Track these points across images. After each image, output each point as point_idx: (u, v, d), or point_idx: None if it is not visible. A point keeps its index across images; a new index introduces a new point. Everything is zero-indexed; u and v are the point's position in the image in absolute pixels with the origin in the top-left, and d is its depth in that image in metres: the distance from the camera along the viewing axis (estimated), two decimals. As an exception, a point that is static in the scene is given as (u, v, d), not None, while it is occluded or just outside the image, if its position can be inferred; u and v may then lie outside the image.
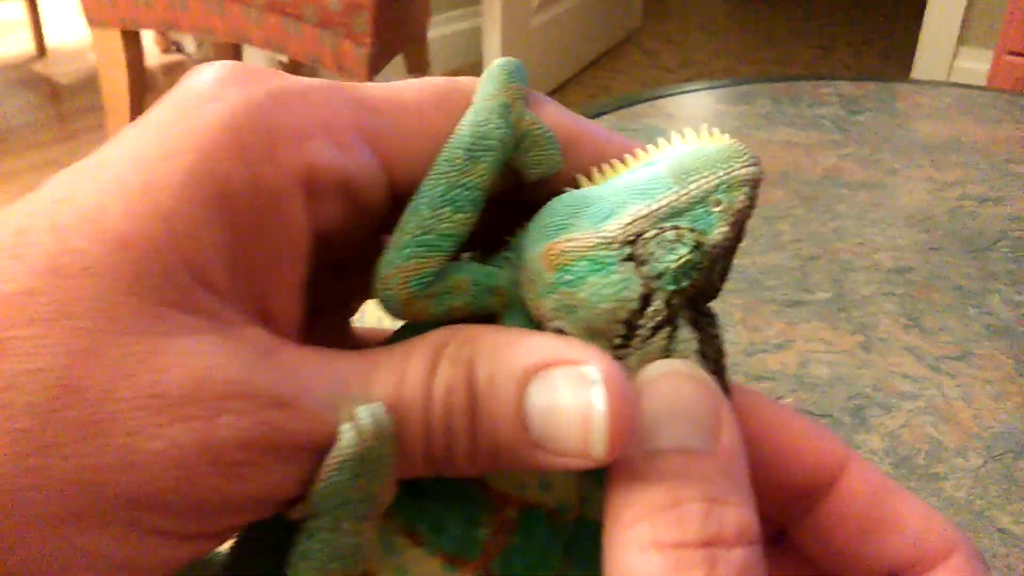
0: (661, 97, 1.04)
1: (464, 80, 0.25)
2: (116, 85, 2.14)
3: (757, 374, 0.59)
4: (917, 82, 1.12)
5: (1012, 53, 2.07)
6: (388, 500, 0.21)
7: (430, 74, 2.28)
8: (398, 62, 2.25)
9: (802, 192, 0.83)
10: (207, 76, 0.22)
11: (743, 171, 0.22)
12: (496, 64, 0.25)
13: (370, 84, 0.24)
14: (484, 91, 0.24)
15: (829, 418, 0.55)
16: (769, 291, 0.67)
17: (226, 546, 0.25)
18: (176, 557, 0.19)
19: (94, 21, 2.04)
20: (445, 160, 0.23)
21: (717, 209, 0.22)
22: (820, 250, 0.74)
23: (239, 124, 0.20)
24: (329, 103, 0.22)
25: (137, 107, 2.15)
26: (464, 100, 0.24)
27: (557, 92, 3.01)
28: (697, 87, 1.08)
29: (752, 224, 0.75)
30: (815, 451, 0.23)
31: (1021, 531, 0.48)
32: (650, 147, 0.24)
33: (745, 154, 0.22)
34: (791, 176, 0.86)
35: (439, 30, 3.03)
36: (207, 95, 0.21)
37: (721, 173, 0.22)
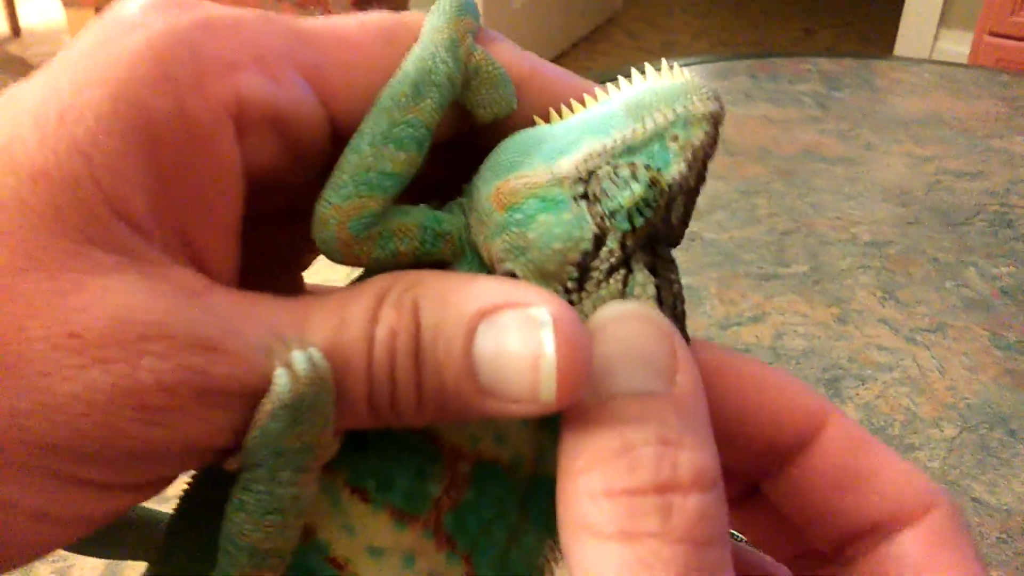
0: (640, 73, 1.04)
1: (411, 14, 0.23)
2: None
3: (732, 346, 0.59)
4: (897, 59, 1.12)
5: (993, 34, 2.07)
6: (329, 452, 0.20)
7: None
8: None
9: (780, 167, 0.83)
10: (132, 4, 0.20)
11: (702, 106, 0.21)
12: None
13: (309, 18, 0.23)
14: (431, 25, 0.23)
15: (817, 391, 0.55)
16: (745, 264, 0.67)
17: (173, 505, 0.24)
18: (104, 507, 0.18)
19: (69, 1, 2.01)
20: (388, 96, 0.22)
21: (674, 145, 0.21)
22: (797, 224, 0.73)
23: (162, 52, 0.19)
24: (263, 33, 0.21)
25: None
26: (410, 35, 0.23)
27: (539, 73, 3.00)
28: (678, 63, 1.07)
29: (728, 198, 0.74)
30: (796, 406, 0.23)
31: (994, 500, 0.48)
32: (610, 86, 0.23)
33: (704, 89, 0.21)
34: (769, 151, 0.86)
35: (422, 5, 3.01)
36: (130, 23, 0.20)
37: (679, 108, 0.21)
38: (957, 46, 2.59)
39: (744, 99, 0.97)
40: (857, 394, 0.55)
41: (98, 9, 2.02)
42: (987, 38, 2.08)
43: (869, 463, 0.22)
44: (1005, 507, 0.48)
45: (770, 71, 1.05)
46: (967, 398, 0.55)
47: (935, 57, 2.67)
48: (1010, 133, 0.90)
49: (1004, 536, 0.46)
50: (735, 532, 0.25)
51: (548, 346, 0.18)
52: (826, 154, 0.86)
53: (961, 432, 0.53)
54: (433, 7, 0.23)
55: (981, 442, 0.52)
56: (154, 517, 0.25)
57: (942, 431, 0.53)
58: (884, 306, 0.63)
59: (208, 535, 0.21)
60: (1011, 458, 0.51)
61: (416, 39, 0.23)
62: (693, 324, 0.60)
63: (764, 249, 0.69)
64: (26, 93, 0.19)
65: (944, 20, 2.67)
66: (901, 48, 2.73)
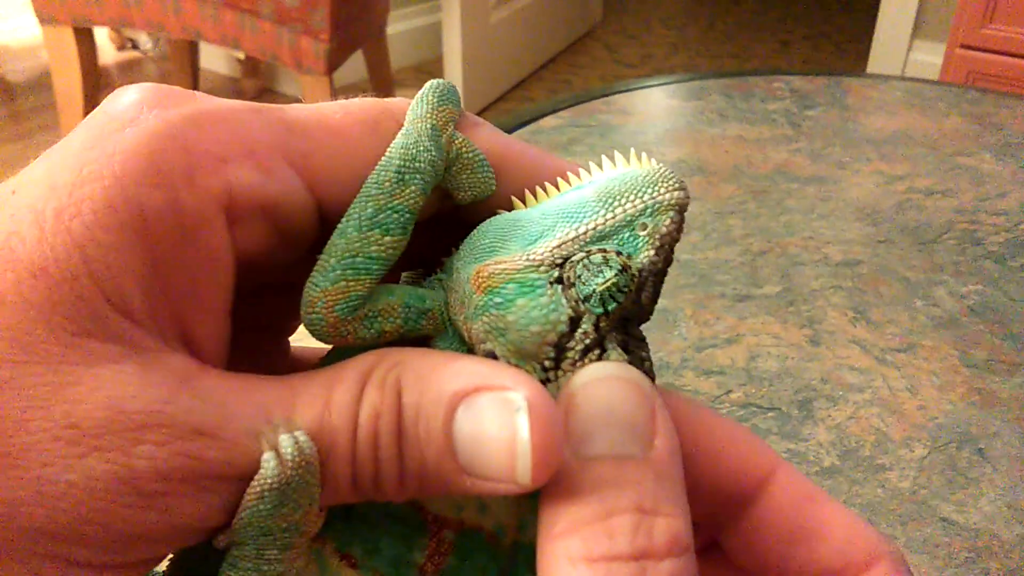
0: (616, 93, 1.05)
1: (395, 102, 0.25)
2: (69, 83, 2.10)
3: (707, 368, 0.60)
4: (867, 76, 1.13)
5: (964, 47, 2.10)
6: (315, 528, 0.21)
7: (390, 70, 2.27)
8: (357, 58, 2.24)
9: (753, 187, 0.84)
10: (125, 99, 0.21)
11: (669, 195, 0.22)
12: (428, 86, 0.25)
13: (297, 106, 0.24)
14: (414, 114, 0.24)
15: (777, 411, 0.56)
16: (720, 286, 0.68)
17: (162, 568, 0.24)
18: None
19: (45, 18, 2.00)
20: (374, 183, 0.23)
21: (643, 233, 0.22)
22: (770, 244, 0.74)
23: (156, 148, 0.20)
24: (251, 126, 0.22)
25: (91, 105, 2.12)
26: (394, 122, 0.24)
27: (518, 87, 3.01)
28: (651, 83, 1.09)
29: (703, 219, 0.75)
30: (743, 457, 0.23)
31: (963, 520, 0.49)
32: (581, 171, 0.24)
33: (671, 179, 0.23)
34: (742, 171, 0.87)
35: (398, 26, 3.01)
36: (124, 119, 0.21)
37: (647, 197, 0.22)
38: (930, 57, 2.62)
39: (719, 119, 0.98)
40: (829, 416, 0.56)
41: (75, 28, 2.02)
42: (959, 50, 2.11)
43: (817, 516, 0.23)
44: (973, 526, 0.48)
45: (744, 90, 1.06)
46: (936, 418, 0.56)
47: (908, 69, 2.70)
48: (979, 150, 0.92)
49: (972, 555, 0.47)
50: None
51: (523, 430, 0.19)
52: (798, 173, 0.87)
53: (931, 452, 0.53)
54: (416, 96, 0.24)
55: (950, 462, 0.53)
56: None
57: (912, 451, 0.53)
58: (855, 326, 0.64)
59: None
60: (979, 477, 0.52)
61: (400, 126, 0.24)
62: (668, 346, 0.61)
63: (738, 270, 0.70)
64: (24, 188, 0.20)
65: (917, 32, 2.71)
66: (875, 60, 2.76)
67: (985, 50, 2.08)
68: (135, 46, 3.24)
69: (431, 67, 3.16)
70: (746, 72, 1.11)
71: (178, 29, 1.94)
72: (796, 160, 0.89)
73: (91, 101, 2.12)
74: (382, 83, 2.27)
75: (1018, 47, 2.03)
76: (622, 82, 1.10)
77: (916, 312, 0.66)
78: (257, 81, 2.93)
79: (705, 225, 0.77)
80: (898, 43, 2.72)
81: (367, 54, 2.24)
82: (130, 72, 3.08)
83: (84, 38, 2.07)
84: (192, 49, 2.51)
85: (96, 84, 2.14)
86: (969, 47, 2.10)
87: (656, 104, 1.05)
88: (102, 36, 3.09)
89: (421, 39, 3.18)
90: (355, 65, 2.40)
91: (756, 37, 3.58)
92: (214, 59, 3.05)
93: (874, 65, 2.77)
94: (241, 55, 2.79)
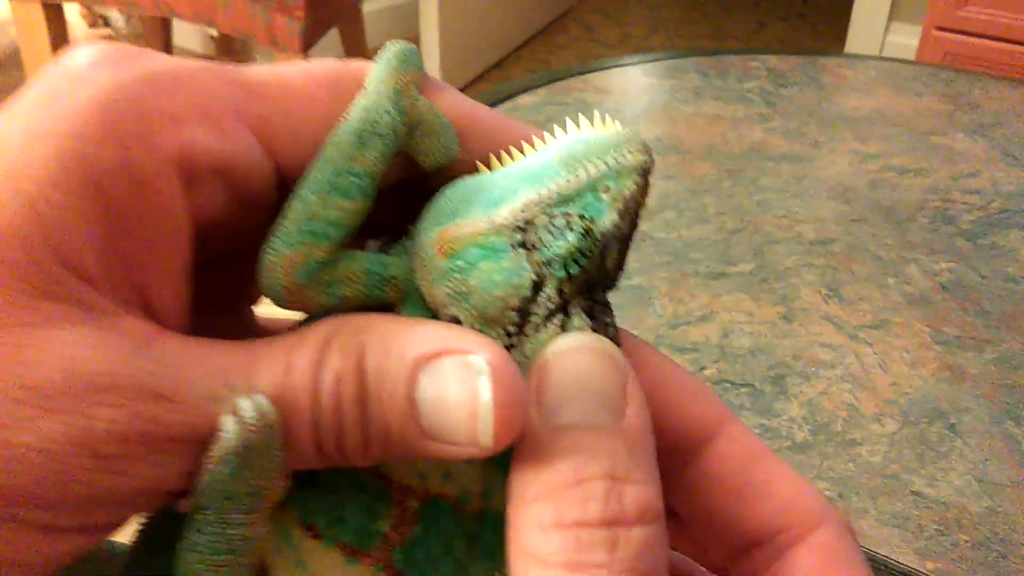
0: (593, 71, 1.04)
1: (355, 64, 0.24)
2: (39, 61, 2.07)
3: (680, 346, 0.60)
4: (843, 56, 1.14)
5: (940, 28, 2.11)
6: (278, 493, 0.21)
7: (366, 49, 2.25)
8: (333, 36, 2.22)
9: (728, 166, 0.84)
10: (80, 58, 0.21)
11: (632, 158, 0.22)
12: (389, 48, 0.24)
13: (255, 67, 0.23)
14: (376, 76, 0.23)
15: (750, 387, 0.56)
16: (694, 264, 0.68)
17: (129, 538, 0.24)
18: (59, 552, 0.19)
19: (13, -6, 1.97)
20: (333, 145, 0.22)
21: (606, 196, 0.22)
22: (744, 223, 0.75)
23: (109, 107, 0.20)
24: (208, 86, 0.21)
25: (61, 83, 2.09)
26: (355, 84, 0.23)
27: (496, 67, 2.99)
28: (628, 61, 1.08)
29: (678, 198, 0.76)
30: (693, 407, 0.23)
31: (934, 493, 0.49)
32: (546, 134, 0.24)
33: (635, 141, 0.22)
34: (718, 150, 0.87)
35: (375, 4, 2.98)
36: (78, 77, 0.20)
37: (610, 160, 0.22)
38: (907, 39, 2.63)
39: (694, 97, 0.98)
40: (802, 391, 0.56)
41: (45, 4, 1.98)
42: (934, 32, 2.12)
43: (763, 474, 0.23)
44: (943, 500, 0.49)
45: (720, 68, 1.06)
46: (908, 393, 0.57)
47: (886, 51, 2.71)
48: (952, 130, 0.92)
49: (942, 528, 0.47)
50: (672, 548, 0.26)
51: (485, 393, 0.19)
52: (773, 152, 0.87)
53: (902, 427, 0.54)
54: (377, 57, 0.24)
55: (921, 436, 0.53)
56: (112, 549, 0.26)
57: (883, 426, 0.54)
58: (828, 303, 0.65)
59: (165, 568, 0.21)
60: (949, 452, 0.52)
61: (360, 88, 0.23)
62: (643, 324, 0.61)
63: (712, 248, 0.70)
64: None
65: (894, 13, 2.72)
66: (852, 41, 2.77)
67: (961, 32, 2.09)
68: (106, 23, 3.19)
69: (408, 46, 3.13)
70: (722, 51, 1.11)
71: (150, 6, 1.91)
72: (771, 139, 0.89)
73: (61, 79, 2.09)
74: (358, 62, 2.26)
75: (993, 29, 2.04)
76: (599, 60, 1.10)
77: (888, 289, 0.67)
78: (231, 59, 2.90)
79: (680, 203, 0.77)
80: (875, 25, 2.72)
81: (343, 32, 2.21)
82: (102, 50, 3.03)
83: (54, 15, 2.03)
84: (164, 26, 2.47)
85: (66, 62, 2.11)
86: (945, 29, 2.11)
87: (633, 82, 1.04)
88: (73, 13, 3.04)
89: (398, 17, 3.15)
90: (331, 43, 2.38)
91: (734, 17, 3.58)
92: (187, 37, 3.01)
93: (851, 47, 2.78)
94: (214, 32, 2.76)
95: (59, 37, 2.06)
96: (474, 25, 2.81)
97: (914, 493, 0.49)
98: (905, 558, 0.46)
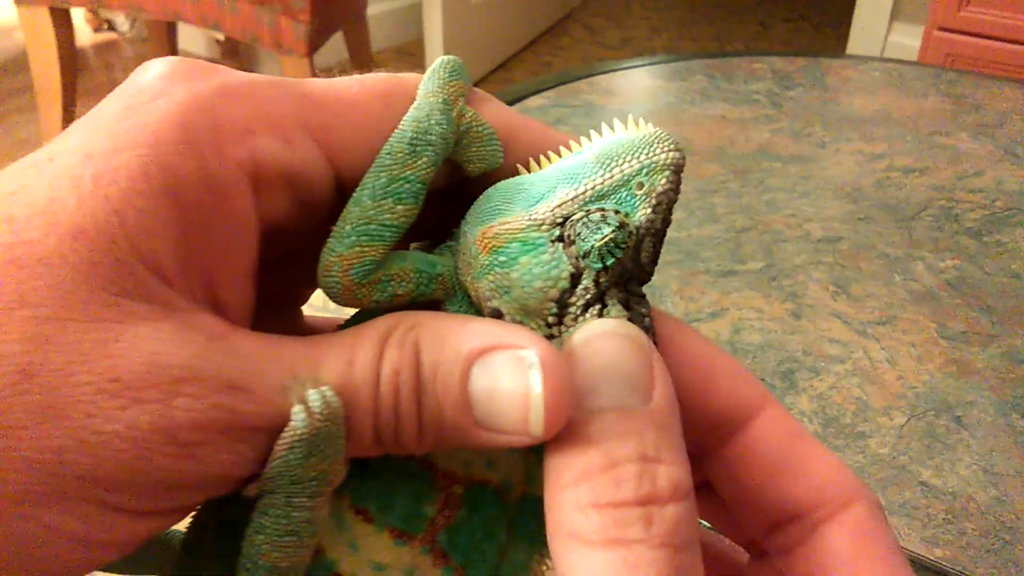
0: (599, 74, 1.06)
1: (407, 77, 0.26)
2: (46, 65, 2.08)
3: (692, 342, 0.61)
4: (848, 57, 1.15)
5: (942, 29, 2.12)
6: (339, 478, 0.22)
7: (370, 52, 2.26)
8: (337, 39, 2.23)
9: (736, 166, 0.85)
10: (154, 72, 0.23)
11: (664, 155, 0.23)
12: (438, 62, 0.26)
13: (314, 80, 0.25)
14: (426, 88, 0.25)
15: (761, 382, 0.57)
16: (704, 262, 0.69)
17: (185, 524, 0.25)
18: (137, 532, 0.20)
19: (21, -1, 1.98)
20: (387, 154, 0.24)
21: (640, 192, 0.23)
22: (753, 222, 0.76)
23: (186, 120, 0.21)
24: (274, 98, 0.23)
25: (69, 88, 2.10)
26: (407, 97, 0.25)
27: (500, 69, 3.01)
28: (634, 64, 1.10)
29: (688, 198, 0.77)
30: (735, 388, 0.24)
31: (940, 484, 0.51)
32: (583, 138, 0.25)
33: (667, 140, 0.24)
34: (725, 151, 0.88)
35: (379, 7, 3.00)
36: (155, 91, 0.22)
37: (643, 158, 0.23)
38: (909, 40, 2.64)
39: (701, 99, 0.99)
40: (811, 385, 0.57)
41: (52, 9, 2.00)
42: (936, 33, 2.13)
43: (799, 453, 0.24)
44: (950, 490, 0.50)
45: (726, 71, 1.07)
46: (915, 387, 0.58)
47: (887, 52, 2.72)
48: (956, 130, 0.93)
49: (949, 517, 0.49)
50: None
51: (536, 385, 0.21)
52: (780, 152, 0.88)
53: (909, 420, 0.55)
54: (428, 71, 0.25)
55: (928, 429, 0.54)
56: (167, 534, 0.27)
57: (891, 419, 0.55)
58: (836, 300, 0.66)
59: (219, 552, 0.23)
60: (956, 443, 0.53)
61: (412, 100, 0.25)
62: (654, 321, 0.62)
63: (722, 247, 0.72)
64: (62, 155, 0.21)
65: (896, 14, 2.73)
66: (854, 42, 2.78)
67: (962, 32, 2.10)
68: (112, 27, 3.21)
69: (412, 49, 3.15)
70: (728, 53, 1.12)
71: (156, 10, 1.92)
72: (778, 140, 0.91)
73: (68, 83, 2.10)
74: (362, 65, 2.27)
75: (994, 29, 2.05)
76: (605, 63, 1.11)
77: (895, 286, 0.68)
78: (237, 63, 2.91)
79: (690, 203, 0.78)
80: (877, 26, 2.73)
81: (347, 35, 2.23)
82: (107, 54, 3.05)
83: (61, 19, 2.05)
84: (170, 30, 2.48)
85: (73, 66, 2.12)
86: (947, 29, 2.12)
87: (639, 85, 1.06)
88: (79, 17, 3.06)
89: (402, 20, 3.16)
90: (335, 47, 2.39)
91: (736, 19, 3.59)
92: (193, 40, 3.02)
93: (853, 48, 2.79)
94: (220, 36, 2.77)
95: (65, 41, 2.08)
96: (477, 28, 2.82)
97: (922, 483, 0.51)
98: (913, 546, 0.47)
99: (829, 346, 0.61)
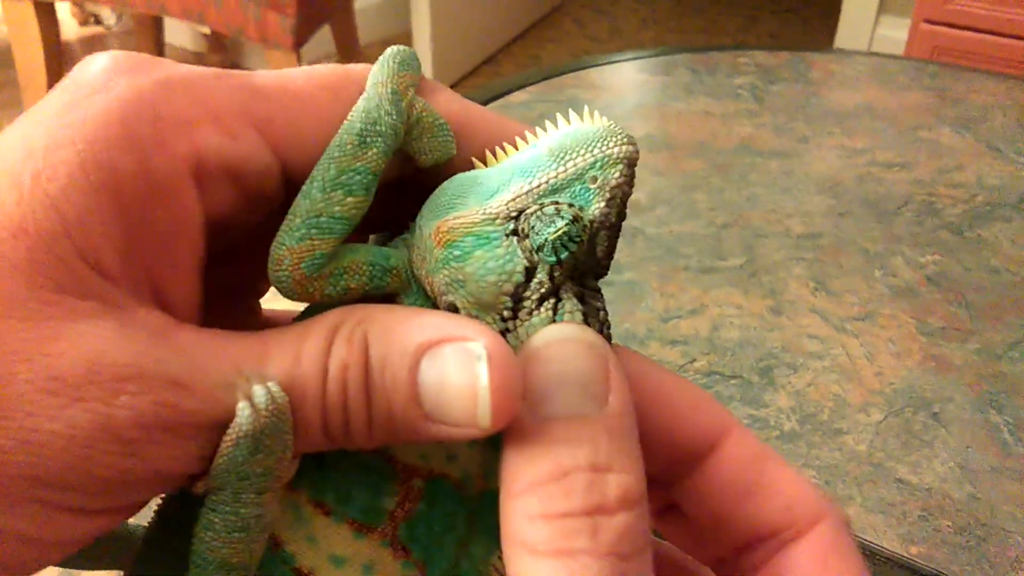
0: (585, 68, 1.05)
1: (356, 68, 0.25)
2: (31, 59, 2.07)
3: (671, 338, 0.61)
4: (831, 51, 1.15)
5: (928, 21, 2.12)
6: (288, 474, 0.22)
7: (358, 45, 2.26)
8: (325, 33, 2.22)
9: (718, 161, 0.85)
10: (96, 66, 0.22)
11: (617, 149, 0.23)
12: (388, 52, 0.25)
13: (260, 72, 0.24)
14: (375, 79, 0.25)
15: (739, 379, 0.58)
16: (684, 258, 0.69)
17: (147, 519, 0.25)
18: (84, 530, 0.20)
19: (4, -7, 1.97)
20: (337, 146, 0.24)
21: (594, 186, 0.23)
22: (734, 218, 0.76)
23: (126, 114, 0.21)
24: (217, 91, 0.23)
25: (54, 82, 2.05)
26: (356, 87, 0.25)
27: (488, 62, 3.00)
28: (620, 58, 1.09)
29: (669, 193, 0.77)
30: (698, 418, 0.25)
31: (917, 480, 0.51)
32: (538, 130, 0.25)
33: (620, 134, 0.24)
34: (708, 146, 0.88)
35: (366, 0, 2.99)
36: (95, 85, 0.22)
37: (597, 152, 0.23)
38: (896, 32, 2.64)
39: (685, 94, 0.99)
40: (789, 382, 0.58)
41: (36, 3, 1.98)
42: (923, 25, 2.13)
43: (766, 475, 0.24)
44: (927, 487, 0.50)
45: (710, 65, 1.07)
46: (893, 383, 0.58)
47: (875, 45, 2.72)
48: (938, 124, 0.93)
49: (925, 514, 0.49)
50: (658, 534, 0.27)
51: (483, 377, 0.21)
52: (762, 148, 0.88)
53: (887, 416, 0.55)
54: (377, 62, 0.25)
55: (905, 426, 0.55)
56: (129, 530, 0.27)
57: (869, 416, 0.55)
58: (816, 296, 0.66)
59: (180, 547, 0.23)
60: (933, 440, 0.54)
61: (361, 91, 0.25)
62: (635, 318, 0.62)
63: (702, 243, 0.72)
64: (1, 152, 0.21)
65: (883, 7, 2.73)
66: (842, 35, 2.79)
67: (949, 25, 2.10)
68: (98, 21, 3.19)
69: (399, 41, 3.08)
70: (712, 47, 1.12)
71: (142, 3, 1.91)
72: (760, 135, 0.91)
73: (54, 77, 2.08)
74: (350, 58, 2.26)
75: (981, 22, 2.06)
76: (591, 57, 1.11)
77: (875, 282, 0.68)
78: (223, 56, 2.89)
79: (671, 199, 0.78)
80: (864, 18, 2.74)
81: (335, 28, 2.22)
82: (93, 47, 3.03)
83: (45, 12, 2.03)
84: (156, 24, 2.47)
85: (59, 60, 2.11)
86: (933, 22, 2.12)
87: (625, 79, 1.06)
88: (64, 11, 3.04)
89: (389, 13, 3.15)
90: (323, 40, 2.38)
91: (725, 12, 3.59)
92: (179, 34, 3.00)
93: (841, 40, 2.79)
94: (206, 30, 2.75)
95: (50, 35, 2.06)
96: (465, 20, 2.81)
97: (898, 480, 0.51)
98: (889, 543, 0.47)
99: (808, 342, 0.61)
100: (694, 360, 0.59)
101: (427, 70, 2.50)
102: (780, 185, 0.81)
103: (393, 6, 3.15)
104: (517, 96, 0.96)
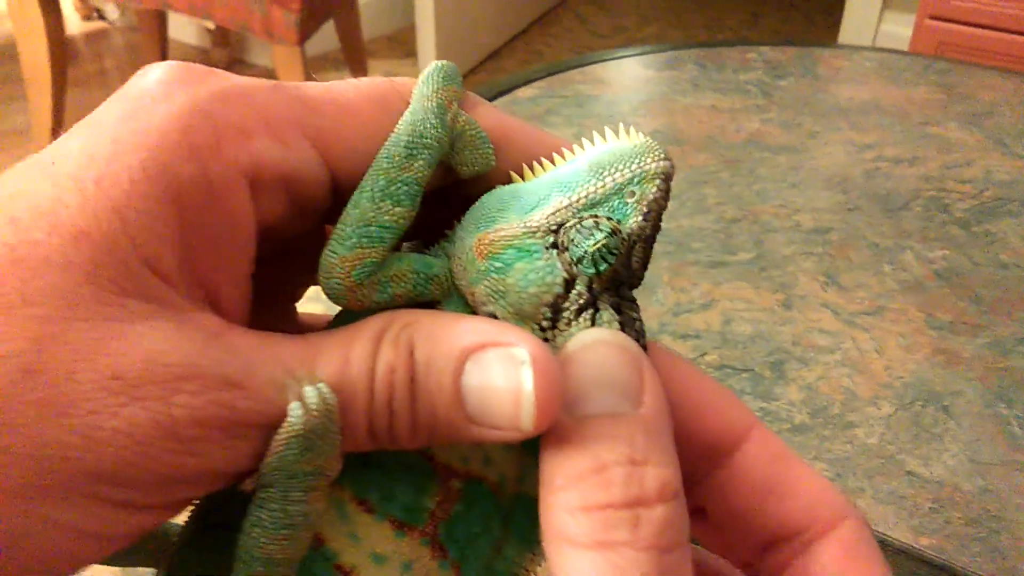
0: (591, 63, 1.06)
1: (402, 81, 0.26)
2: (35, 54, 2.07)
3: (683, 333, 0.61)
4: (839, 47, 1.15)
5: (932, 17, 2.12)
6: (334, 473, 0.23)
7: (362, 40, 2.26)
8: (329, 28, 2.22)
9: (726, 156, 0.85)
10: (154, 76, 0.23)
11: (655, 165, 0.24)
12: (432, 67, 0.26)
13: (311, 84, 0.25)
14: (421, 92, 0.25)
15: (750, 372, 0.58)
16: (695, 253, 0.70)
17: (183, 518, 0.26)
18: (136, 525, 0.21)
19: (9, -13, 1.97)
20: (385, 157, 0.24)
21: (631, 200, 0.24)
22: (743, 213, 0.76)
23: (187, 123, 0.22)
24: (272, 103, 0.24)
25: (59, 77, 2.09)
26: (402, 100, 0.25)
27: (491, 58, 3.00)
28: (627, 53, 1.10)
29: (678, 188, 0.77)
30: (723, 415, 0.25)
31: (927, 473, 0.51)
32: (575, 146, 0.26)
33: (657, 150, 0.24)
34: (716, 141, 0.88)
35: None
36: (156, 95, 0.22)
37: (635, 167, 0.24)
38: (901, 28, 2.64)
39: (692, 89, 1.00)
40: (800, 376, 0.58)
41: (41, -3, 1.98)
42: (928, 21, 2.13)
43: (788, 475, 0.25)
44: (937, 479, 0.51)
45: (717, 60, 1.07)
46: (902, 377, 0.58)
47: (879, 41, 2.72)
48: (945, 119, 0.94)
49: (936, 506, 0.49)
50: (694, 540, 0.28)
51: (527, 382, 0.21)
52: (770, 143, 0.88)
53: (897, 410, 0.56)
54: (422, 75, 0.26)
55: (915, 419, 0.55)
56: (164, 528, 0.27)
57: (879, 409, 0.56)
58: (826, 291, 0.66)
59: (215, 545, 0.23)
60: (942, 433, 0.54)
61: (407, 104, 0.25)
62: (646, 312, 0.62)
63: (712, 238, 0.72)
64: (64, 158, 0.21)
65: (888, 3, 2.73)
66: (845, 31, 2.78)
67: (954, 21, 2.10)
68: (101, 16, 3.19)
69: (403, 37, 3.13)
70: (719, 43, 1.13)
71: (147, -2, 1.91)
72: (768, 130, 0.91)
73: (58, 72, 2.08)
74: (354, 53, 2.26)
75: (986, 18, 2.06)
76: (596, 52, 1.11)
77: (884, 277, 0.68)
78: (227, 51, 2.90)
79: (680, 194, 0.78)
80: (868, 14, 2.73)
81: (339, 24, 2.22)
82: (97, 43, 3.03)
83: (50, 8, 2.04)
84: (160, 19, 2.47)
85: (63, 55, 2.11)
86: (938, 18, 2.12)
87: (631, 74, 1.06)
88: (68, 6, 3.04)
89: (393, 9, 3.15)
90: (327, 35, 2.38)
91: (727, 8, 3.59)
92: (183, 29, 3.00)
93: (845, 36, 2.79)
94: (211, 25, 2.75)
95: (55, 30, 2.06)
96: (469, 16, 2.81)
97: (909, 473, 0.51)
98: (900, 535, 0.47)
99: (818, 336, 0.62)
100: (705, 354, 0.60)
101: (431, 65, 2.49)
102: (789, 180, 0.81)
103: (397, 2, 3.15)
104: (524, 91, 0.97)
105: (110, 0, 1.99)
